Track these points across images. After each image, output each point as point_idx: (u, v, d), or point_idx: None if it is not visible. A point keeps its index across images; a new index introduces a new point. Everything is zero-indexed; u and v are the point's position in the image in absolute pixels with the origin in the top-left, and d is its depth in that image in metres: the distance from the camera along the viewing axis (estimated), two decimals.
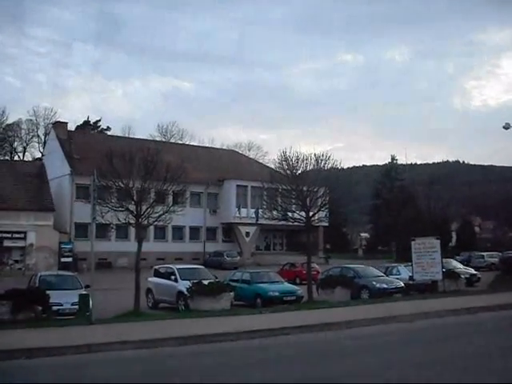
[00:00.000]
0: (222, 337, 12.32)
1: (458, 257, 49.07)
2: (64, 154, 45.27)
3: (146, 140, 58.69)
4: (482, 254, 45.70)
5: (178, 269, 20.79)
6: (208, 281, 18.33)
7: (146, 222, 18.34)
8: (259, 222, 52.26)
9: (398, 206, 58.93)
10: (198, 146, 63.47)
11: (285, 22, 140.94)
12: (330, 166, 22.27)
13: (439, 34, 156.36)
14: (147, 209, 18.02)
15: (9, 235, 38.64)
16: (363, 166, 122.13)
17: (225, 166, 53.77)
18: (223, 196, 51.75)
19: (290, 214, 21.68)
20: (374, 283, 23.17)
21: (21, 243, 39.17)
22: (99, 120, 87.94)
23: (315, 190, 21.21)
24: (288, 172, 21.66)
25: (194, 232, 50.76)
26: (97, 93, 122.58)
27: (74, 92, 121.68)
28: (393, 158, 68.45)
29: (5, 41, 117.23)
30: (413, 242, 22.27)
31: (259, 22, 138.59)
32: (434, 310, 16.11)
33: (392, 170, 67.16)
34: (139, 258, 18.18)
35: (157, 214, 18.45)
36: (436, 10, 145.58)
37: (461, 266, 33.52)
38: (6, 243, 38.83)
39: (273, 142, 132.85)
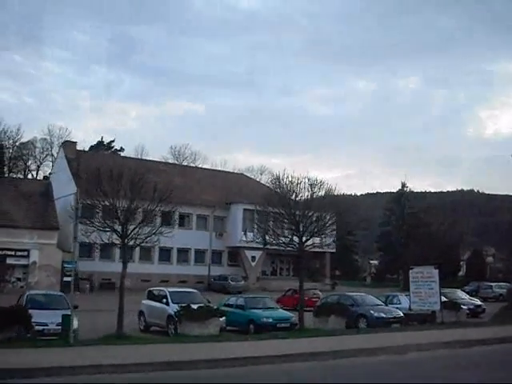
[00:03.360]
0: (200, 364, 11.94)
1: (466, 287, 48.16)
2: (71, 173, 45.48)
3: (155, 161, 59.09)
4: (491, 284, 44.71)
5: (170, 292, 20.47)
6: (198, 305, 18.00)
7: (132, 243, 18.06)
8: (265, 247, 52.24)
9: (407, 233, 58.23)
10: (207, 169, 63.57)
11: (298, 47, 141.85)
12: (323, 191, 21.93)
13: (452, 63, 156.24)
14: (134, 229, 17.77)
15: (12, 253, 38.64)
16: (377, 192, 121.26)
17: (233, 190, 53.59)
18: (230, 219, 51.46)
19: (283, 239, 21.18)
20: (372, 312, 22.59)
21: (24, 261, 39.13)
22: (113, 140, 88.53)
23: (309, 214, 20.79)
24: (281, 196, 21.31)
25: (200, 255, 50.43)
26: (111, 114, 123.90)
27: (89, 112, 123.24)
28: (403, 185, 67.82)
29: (23, 61, 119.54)
30: (411, 271, 21.76)
31: (272, 48, 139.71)
32: (427, 342, 15.54)
33: (402, 196, 66.44)
34: (124, 279, 17.87)
35: (143, 235, 18.17)
36: (449, 38, 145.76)
37: (466, 296, 32.75)
38: (9, 261, 38.82)
39: (284, 166, 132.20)
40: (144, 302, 21.68)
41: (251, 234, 51.00)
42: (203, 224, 51.03)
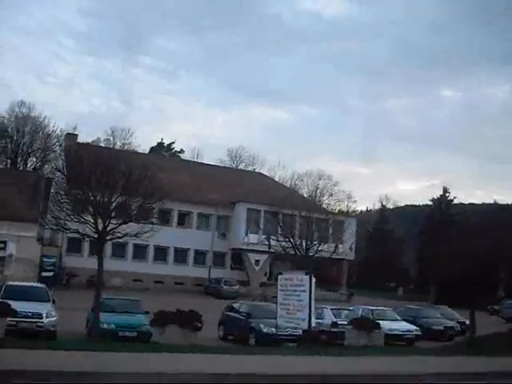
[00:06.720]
0: None
1: (495, 305, 41.81)
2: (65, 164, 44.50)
3: (169, 159, 57.07)
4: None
5: (6, 285, 18.01)
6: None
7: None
8: (271, 250, 48.40)
9: (441, 242, 51.88)
10: (221, 167, 60.66)
11: (382, 55, 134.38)
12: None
13: None
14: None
15: None
16: (459, 203, 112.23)
17: (244, 189, 50.25)
18: (234, 219, 48.23)
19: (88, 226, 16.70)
20: (262, 326, 18.69)
21: (0, 253, 38.47)
22: (173, 142, 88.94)
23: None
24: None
25: (200, 256, 47.58)
26: (196, 119, 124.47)
27: (174, 118, 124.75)
28: (445, 190, 60.69)
29: (113, 68, 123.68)
30: (279, 277, 17.51)
31: (357, 56, 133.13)
32: None
33: (441, 204, 59.57)
34: None
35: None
36: None
37: (448, 315, 27.47)
38: None
39: (366, 176, 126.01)
40: None
41: (256, 235, 47.71)
42: (205, 223, 48.25)
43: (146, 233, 16.15)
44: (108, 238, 15.80)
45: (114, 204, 15.31)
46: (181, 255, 46.80)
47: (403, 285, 66.37)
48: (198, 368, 12.05)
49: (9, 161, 69.76)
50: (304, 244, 48.96)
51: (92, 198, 15.04)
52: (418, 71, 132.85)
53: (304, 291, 15.76)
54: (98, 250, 16.57)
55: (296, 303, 16.02)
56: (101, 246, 16.19)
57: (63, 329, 17.85)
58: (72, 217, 15.89)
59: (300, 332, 18.23)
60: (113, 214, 15.38)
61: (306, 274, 16.30)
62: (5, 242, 38.51)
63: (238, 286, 43.43)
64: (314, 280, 16.19)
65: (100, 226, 15.12)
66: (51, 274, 39.57)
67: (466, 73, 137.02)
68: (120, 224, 15.66)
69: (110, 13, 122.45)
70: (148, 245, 45.36)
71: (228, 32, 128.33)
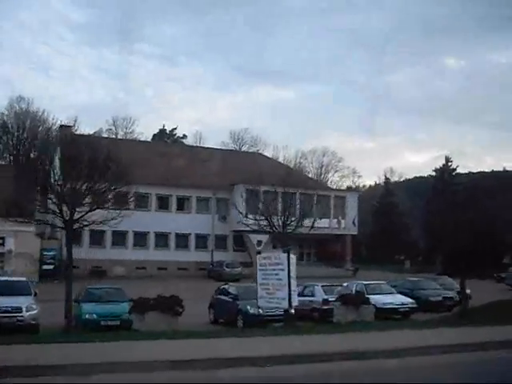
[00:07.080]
0: None
1: (502, 273, 41.39)
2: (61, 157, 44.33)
3: (165, 144, 56.56)
4: None
5: None
6: None
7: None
8: (271, 230, 48.00)
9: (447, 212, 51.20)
10: (220, 149, 60.04)
11: (382, 27, 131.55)
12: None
13: None
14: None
15: None
16: (469, 172, 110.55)
17: (243, 170, 49.69)
18: (233, 201, 47.83)
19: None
20: (249, 308, 18.41)
21: None
22: (175, 128, 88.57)
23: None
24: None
25: (201, 240, 47.37)
26: (198, 104, 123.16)
27: (176, 104, 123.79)
28: (447, 160, 59.67)
29: (112, 57, 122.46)
30: (258, 256, 17.04)
31: (357, 31, 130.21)
32: None
33: (444, 173, 58.69)
34: None
35: None
36: None
37: (448, 285, 26.92)
38: None
39: (374, 150, 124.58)
40: None
41: (255, 216, 47.21)
42: (205, 207, 47.93)
43: (113, 219, 15.78)
44: (76, 226, 15.45)
45: (80, 191, 14.88)
46: (182, 240, 46.63)
47: (411, 257, 65.78)
48: (171, 356, 11.70)
49: (11, 157, 70.02)
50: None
51: (57, 186, 14.67)
52: (419, 42, 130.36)
53: (283, 270, 15.30)
54: (66, 239, 16.25)
55: (275, 282, 15.59)
56: (69, 235, 15.86)
57: (50, 322, 17.74)
58: (39, 207, 15.59)
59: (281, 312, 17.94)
60: (80, 202, 15.00)
61: (284, 251, 15.84)
62: (3, 238, 38.55)
63: (240, 268, 43.15)
64: (293, 257, 15.74)
65: (68, 215, 14.76)
66: (52, 266, 39.64)
67: (468, 40, 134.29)
68: (87, 212, 15.27)
69: (104, 1, 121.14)
70: (148, 232, 45.38)
71: (226, 13, 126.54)
